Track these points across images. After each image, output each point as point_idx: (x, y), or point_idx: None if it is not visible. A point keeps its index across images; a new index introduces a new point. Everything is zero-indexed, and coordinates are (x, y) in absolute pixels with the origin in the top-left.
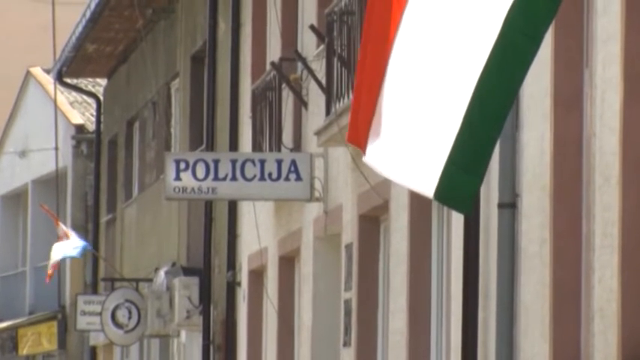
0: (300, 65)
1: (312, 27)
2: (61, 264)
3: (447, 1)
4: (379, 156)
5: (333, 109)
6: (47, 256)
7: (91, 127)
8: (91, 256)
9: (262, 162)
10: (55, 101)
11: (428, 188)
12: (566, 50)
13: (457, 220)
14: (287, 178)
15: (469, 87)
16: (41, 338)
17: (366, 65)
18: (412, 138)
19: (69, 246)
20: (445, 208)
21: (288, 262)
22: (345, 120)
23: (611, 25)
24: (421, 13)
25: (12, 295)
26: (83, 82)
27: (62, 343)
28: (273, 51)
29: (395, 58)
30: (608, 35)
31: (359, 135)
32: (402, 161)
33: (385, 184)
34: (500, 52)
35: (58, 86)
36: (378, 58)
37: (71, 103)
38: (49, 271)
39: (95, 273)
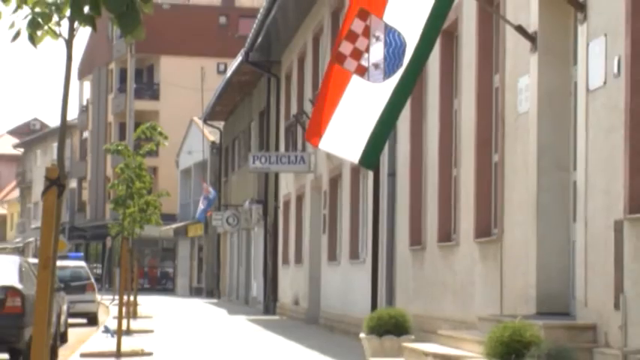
0: (305, 116)
1: (310, 100)
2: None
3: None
4: (330, 143)
5: None
6: (197, 196)
7: (217, 142)
8: (217, 198)
9: (288, 156)
10: (202, 131)
11: (356, 158)
12: (444, 89)
13: (369, 183)
14: (299, 163)
15: (379, 109)
16: (197, 229)
17: (321, 98)
18: (350, 133)
19: (209, 198)
20: (365, 177)
21: (299, 199)
22: None
23: (468, 80)
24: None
25: (186, 212)
26: (215, 123)
27: (206, 230)
28: (294, 109)
29: (347, 93)
30: (469, 84)
31: (314, 135)
32: (343, 145)
33: (340, 166)
34: (396, 95)
35: (205, 125)
36: (335, 94)
37: (210, 132)
38: (208, 213)
39: (219, 202)
